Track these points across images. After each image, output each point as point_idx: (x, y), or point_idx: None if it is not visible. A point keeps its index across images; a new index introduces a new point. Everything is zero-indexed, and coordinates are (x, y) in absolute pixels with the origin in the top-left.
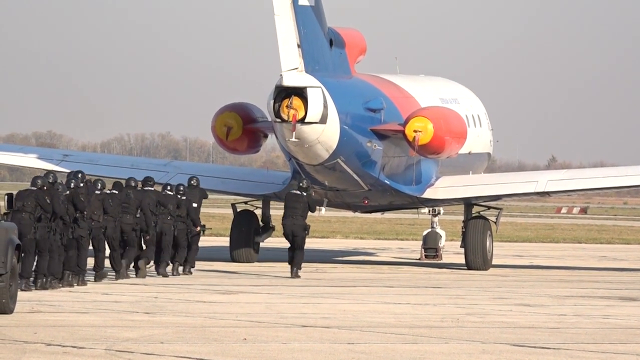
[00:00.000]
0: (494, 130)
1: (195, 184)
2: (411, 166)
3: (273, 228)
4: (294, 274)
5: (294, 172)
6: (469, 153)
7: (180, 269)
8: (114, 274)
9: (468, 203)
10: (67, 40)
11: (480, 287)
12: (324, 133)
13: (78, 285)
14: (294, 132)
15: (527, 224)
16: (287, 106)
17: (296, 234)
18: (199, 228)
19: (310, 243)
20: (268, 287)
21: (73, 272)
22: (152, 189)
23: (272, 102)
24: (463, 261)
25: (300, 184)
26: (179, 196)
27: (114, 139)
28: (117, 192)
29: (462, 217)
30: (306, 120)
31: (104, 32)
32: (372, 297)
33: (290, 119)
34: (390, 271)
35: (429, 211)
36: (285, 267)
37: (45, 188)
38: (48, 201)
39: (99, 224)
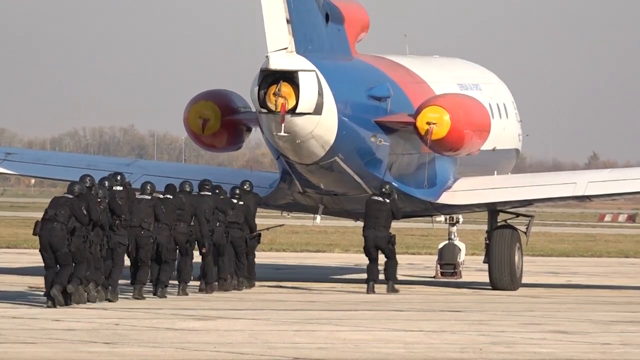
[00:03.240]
0: (522, 122)
1: (248, 189)
2: (424, 165)
3: (258, 240)
4: (390, 288)
5: (284, 173)
6: (494, 149)
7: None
8: (159, 287)
9: (493, 209)
10: (7, 21)
11: (507, 310)
12: (319, 126)
13: (107, 299)
14: (282, 125)
15: (564, 234)
16: (274, 94)
17: (381, 247)
18: (255, 233)
19: (303, 258)
20: (253, 312)
21: (103, 285)
22: (210, 194)
23: (256, 89)
24: (487, 279)
25: (383, 189)
26: (235, 200)
27: (67, 134)
28: (170, 196)
29: (485, 227)
30: (297, 111)
31: (53, 8)
32: (377, 323)
33: (279, 110)
34: (400, 291)
35: (446, 219)
36: (279, 290)
37: (82, 194)
38: (84, 211)
39: (149, 233)
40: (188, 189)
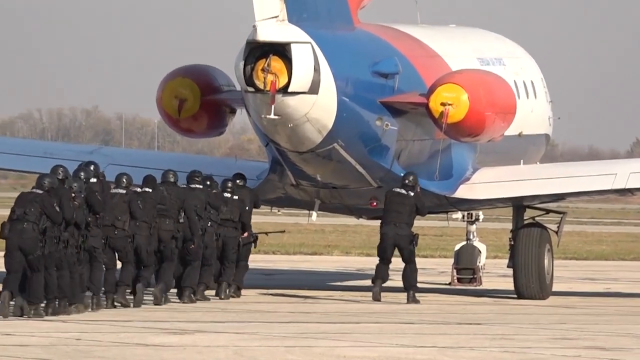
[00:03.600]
0: (553, 102)
1: (242, 184)
2: (438, 153)
3: (254, 240)
4: (411, 298)
5: (274, 163)
6: (520, 135)
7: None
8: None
9: (518, 205)
10: None
11: (535, 323)
12: (315, 107)
13: (92, 309)
14: (272, 106)
15: (602, 234)
16: (263, 70)
17: (401, 246)
18: (246, 234)
19: (297, 262)
20: (237, 325)
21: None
22: (201, 186)
23: (242, 64)
24: (511, 287)
25: (406, 181)
26: (228, 195)
27: (19, 116)
28: (150, 190)
29: (509, 225)
30: (290, 90)
31: None
32: (383, 337)
33: (268, 88)
34: (421, 302)
35: (464, 217)
36: (269, 299)
37: (53, 189)
38: (57, 208)
39: (123, 233)
40: (172, 179)
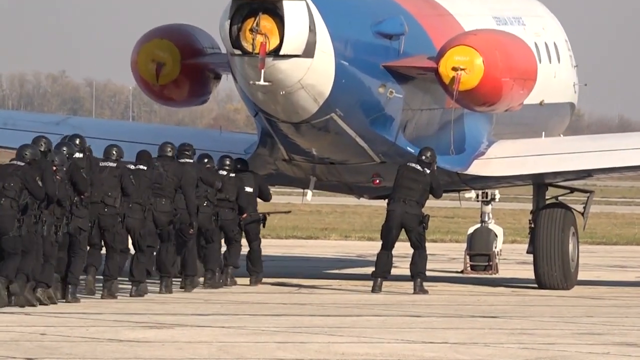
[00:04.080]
0: (579, 67)
1: (242, 167)
2: (448, 125)
3: (263, 220)
4: (419, 288)
5: (264, 135)
6: (541, 103)
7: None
8: (133, 286)
9: (540, 183)
10: None
11: (559, 315)
12: (310, 72)
13: (67, 300)
14: (262, 71)
15: (634, 215)
16: (251, 30)
17: (409, 227)
18: (245, 215)
19: (290, 247)
20: (222, 317)
21: (64, 280)
22: (191, 161)
23: (227, 23)
24: (531, 275)
25: (423, 157)
26: (226, 173)
27: None
28: (144, 167)
29: (529, 206)
30: (282, 53)
31: None
32: (387, 332)
33: (257, 51)
34: (429, 292)
35: (478, 196)
36: (258, 288)
37: (35, 161)
38: (39, 182)
39: (114, 210)
40: (170, 153)
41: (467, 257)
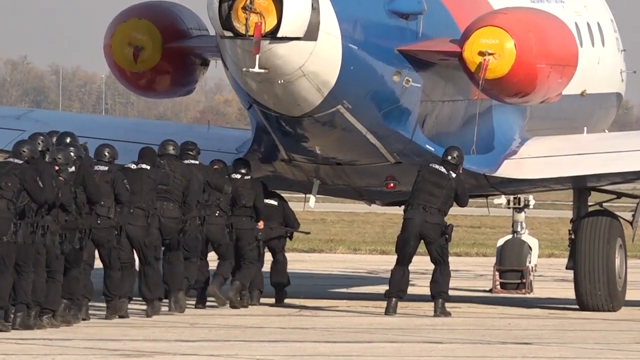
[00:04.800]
0: (627, 51)
1: (245, 171)
2: (474, 119)
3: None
4: (440, 310)
5: (259, 131)
6: (583, 94)
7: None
8: (147, 306)
9: (581, 187)
10: None
11: (604, 342)
12: (313, 58)
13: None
14: (257, 57)
15: None
16: (244, 8)
17: (430, 238)
18: (261, 224)
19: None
20: (210, 344)
21: (76, 300)
22: (197, 162)
23: (217, 1)
24: (572, 294)
25: (449, 157)
26: (240, 176)
27: None
28: (148, 166)
29: (569, 214)
30: (280, 35)
31: None
32: None
33: (252, 32)
34: (452, 314)
35: (509, 202)
36: (253, 310)
37: (34, 159)
38: (40, 183)
39: (108, 222)
40: (173, 151)
41: (497, 273)
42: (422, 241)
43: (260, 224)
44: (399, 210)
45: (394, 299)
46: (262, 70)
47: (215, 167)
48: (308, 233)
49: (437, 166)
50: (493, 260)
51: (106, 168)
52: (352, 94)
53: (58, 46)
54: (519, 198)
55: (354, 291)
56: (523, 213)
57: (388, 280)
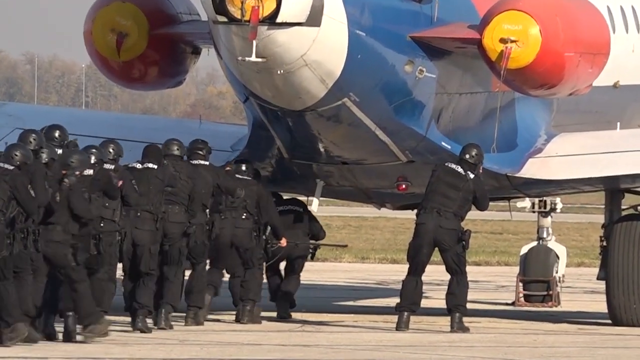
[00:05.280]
0: None
1: (246, 169)
2: (495, 113)
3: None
4: (457, 325)
5: (256, 128)
6: (615, 85)
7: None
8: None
9: (614, 189)
10: None
11: None
12: (316, 46)
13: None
14: (254, 44)
15: None
16: None
17: (445, 245)
18: (284, 242)
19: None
20: None
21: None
22: (206, 163)
23: None
24: (603, 307)
25: (467, 155)
26: (244, 177)
27: None
28: (155, 166)
29: (600, 219)
30: (279, 20)
31: None
32: None
33: (248, 17)
34: (470, 330)
35: (534, 206)
36: (251, 326)
37: (26, 164)
38: (31, 192)
39: (113, 226)
40: (178, 152)
41: (520, 284)
42: (436, 249)
43: (283, 242)
44: (412, 215)
45: (405, 313)
46: (259, 60)
47: (228, 168)
48: (345, 246)
49: (453, 165)
50: (516, 270)
51: (111, 167)
52: (359, 85)
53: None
54: (545, 201)
55: (362, 304)
56: (549, 217)
57: (399, 292)
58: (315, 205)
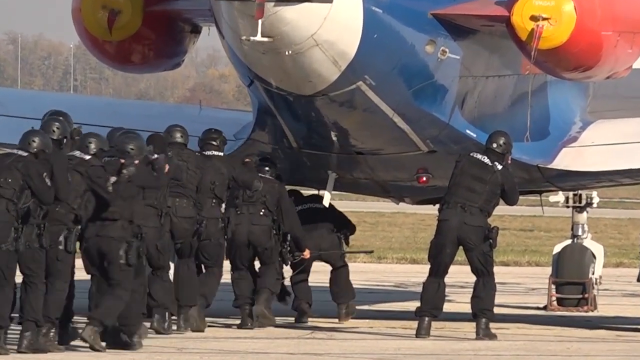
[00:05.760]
0: None
1: (270, 170)
2: (526, 98)
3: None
4: (483, 331)
5: (262, 113)
6: None
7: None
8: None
9: None
10: None
11: None
12: (328, 24)
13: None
14: (260, 23)
15: None
16: None
17: (470, 244)
18: (307, 253)
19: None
20: None
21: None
22: (220, 154)
23: None
24: None
25: (494, 144)
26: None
27: None
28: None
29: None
30: None
31: None
32: None
33: None
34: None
35: (568, 200)
36: (257, 331)
37: (44, 152)
38: (47, 181)
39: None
40: (182, 139)
41: (553, 287)
42: (460, 248)
43: (306, 253)
44: (433, 210)
45: (426, 319)
46: (265, 39)
47: (247, 160)
48: (371, 252)
49: (479, 156)
50: (548, 270)
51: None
52: (375, 67)
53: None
54: (580, 195)
55: (378, 308)
56: (585, 213)
57: (419, 295)
58: (326, 200)
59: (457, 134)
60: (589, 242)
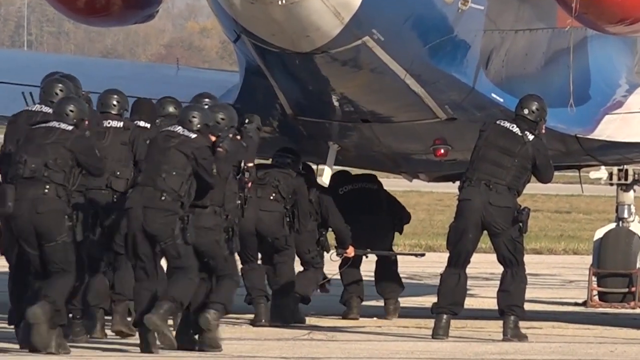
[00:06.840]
0: None
1: (294, 164)
2: (563, 56)
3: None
4: (512, 331)
5: (251, 74)
6: None
7: None
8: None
9: None
10: None
11: None
12: None
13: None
14: None
15: None
16: None
17: (496, 228)
18: (351, 251)
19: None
20: None
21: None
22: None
23: None
24: None
25: (525, 110)
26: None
27: None
28: (147, 125)
29: None
30: None
31: None
32: None
33: None
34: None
35: (611, 176)
36: (255, 330)
37: (82, 121)
38: (98, 153)
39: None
40: (175, 111)
41: (594, 279)
42: (485, 233)
43: (350, 251)
44: (453, 188)
45: (445, 316)
46: None
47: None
48: (423, 255)
49: (507, 124)
50: (588, 260)
51: (120, 123)
52: (384, 20)
53: None
54: (627, 170)
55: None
56: (632, 192)
57: (437, 289)
58: (327, 176)
59: (481, 98)
60: (636, 226)
